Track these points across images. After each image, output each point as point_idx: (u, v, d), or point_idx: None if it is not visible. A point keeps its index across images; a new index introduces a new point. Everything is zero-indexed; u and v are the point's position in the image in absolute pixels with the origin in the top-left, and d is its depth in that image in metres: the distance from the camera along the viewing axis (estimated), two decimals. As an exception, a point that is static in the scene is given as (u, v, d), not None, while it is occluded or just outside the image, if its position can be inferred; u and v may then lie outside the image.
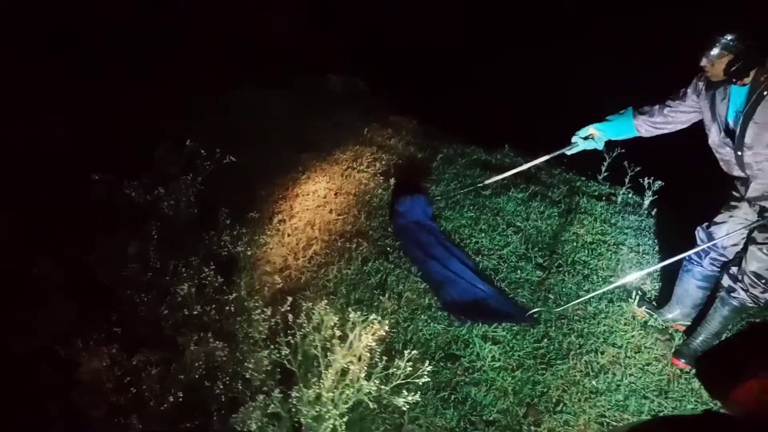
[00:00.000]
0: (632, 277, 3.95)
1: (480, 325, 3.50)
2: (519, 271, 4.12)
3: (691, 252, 3.44)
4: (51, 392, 2.50)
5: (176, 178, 3.39)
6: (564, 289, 4.01)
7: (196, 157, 3.53)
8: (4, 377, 2.57)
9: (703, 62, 2.93)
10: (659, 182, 4.89)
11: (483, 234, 4.42)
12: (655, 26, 7.28)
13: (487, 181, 4.73)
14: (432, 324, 3.47)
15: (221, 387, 2.45)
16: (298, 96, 6.03)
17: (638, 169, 5.00)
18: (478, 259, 4.17)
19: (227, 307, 2.73)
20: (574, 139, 3.80)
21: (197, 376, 2.51)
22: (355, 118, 5.85)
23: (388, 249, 4.06)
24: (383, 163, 5.09)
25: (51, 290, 2.89)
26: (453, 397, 3.06)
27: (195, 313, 2.68)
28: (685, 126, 3.40)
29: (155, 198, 3.28)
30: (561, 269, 4.20)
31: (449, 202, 4.72)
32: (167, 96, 5.00)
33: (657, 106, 3.41)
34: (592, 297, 3.78)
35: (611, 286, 3.84)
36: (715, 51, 2.86)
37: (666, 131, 3.47)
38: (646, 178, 4.92)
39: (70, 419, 2.43)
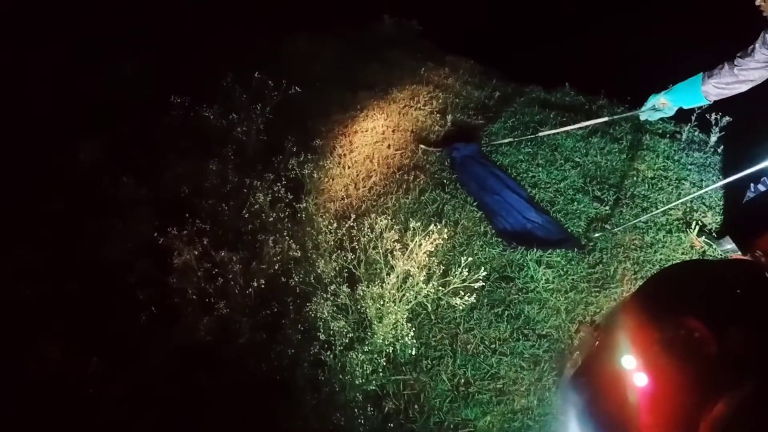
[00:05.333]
0: (687, 199, 4.12)
1: (535, 250, 3.75)
2: (576, 203, 4.33)
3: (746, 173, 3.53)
4: (148, 283, 2.98)
5: (247, 107, 3.77)
6: (621, 221, 4.19)
7: (264, 89, 3.88)
8: (103, 275, 3.09)
9: (758, 1, 2.95)
10: (727, 118, 4.90)
11: (540, 168, 4.63)
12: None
13: (542, 133, 4.85)
14: (487, 249, 3.76)
15: (296, 281, 2.84)
16: (351, 38, 6.26)
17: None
18: (534, 191, 4.40)
19: (298, 215, 3.10)
20: (643, 111, 3.81)
21: (274, 270, 2.90)
22: (410, 59, 6.05)
23: (445, 181, 4.34)
24: (440, 101, 5.31)
25: (139, 202, 3.36)
26: (507, 312, 3.36)
27: (270, 219, 3.07)
28: (756, 83, 3.33)
29: (229, 123, 3.67)
30: (619, 202, 4.38)
31: (507, 138, 4.92)
32: (226, 43, 5.38)
33: (726, 67, 3.34)
34: (645, 219, 3.97)
35: (666, 207, 4.02)
36: None
37: (737, 91, 3.39)
38: (713, 114, 4.93)
39: (164, 305, 2.90)
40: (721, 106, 4.98)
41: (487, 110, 5.36)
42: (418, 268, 2.70)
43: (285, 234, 2.97)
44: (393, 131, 4.82)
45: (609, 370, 1.54)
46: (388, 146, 4.63)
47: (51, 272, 3.39)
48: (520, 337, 3.23)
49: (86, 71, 4.82)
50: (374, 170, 4.32)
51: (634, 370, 1.45)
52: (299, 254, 2.93)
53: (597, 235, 4.00)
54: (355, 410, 2.58)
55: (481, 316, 3.30)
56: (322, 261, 2.81)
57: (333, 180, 4.10)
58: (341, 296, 2.76)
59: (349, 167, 4.27)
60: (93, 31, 5.16)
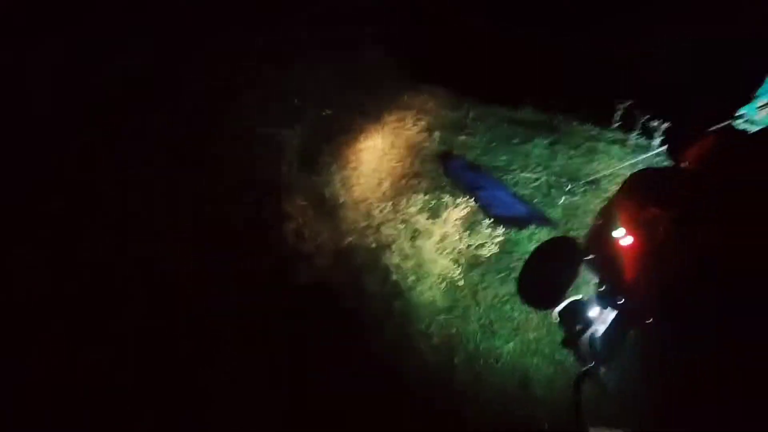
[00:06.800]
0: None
1: (526, 229, 4.84)
2: (551, 197, 5.46)
3: None
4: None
5: (290, 125, 4.82)
6: (589, 208, 5.35)
7: (299, 113, 4.91)
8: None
9: None
10: (666, 124, 6.14)
11: (518, 171, 5.77)
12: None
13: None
14: (488, 230, 4.80)
15: (370, 241, 3.85)
16: (335, 68, 7.28)
17: (647, 116, 6.24)
18: (515, 189, 5.51)
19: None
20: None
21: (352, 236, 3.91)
22: (390, 86, 7.15)
23: (443, 184, 5.41)
24: (424, 122, 6.42)
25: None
26: (511, 275, 4.41)
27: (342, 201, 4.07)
28: None
29: (283, 136, 4.72)
30: (585, 194, 5.54)
31: (485, 149, 6.07)
32: (226, 43, 6.14)
33: None
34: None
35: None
36: None
37: None
38: (655, 121, 6.17)
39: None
40: (662, 114, 6.29)
41: (465, 128, 6.51)
42: (453, 228, 3.75)
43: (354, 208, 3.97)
44: (391, 147, 5.89)
45: (607, 239, 2.60)
46: (390, 159, 5.69)
47: (51, 272, 3.72)
48: (524, 293, 4.28)
49: (86, 71, 5.20)
50: (384, 178, 5.36)
51: (623, 236, 2.52)
52: (366, 224, 3.93)
53: (573, 225, 5.13)
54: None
55: (493, 278, 4.34)
56: (384, 228, 3.82)
57: (352, 187, 5.12)
58: (405, 249, 3.77)
59: (363, 177, 5.31)
60: (93, 31, 5.50)
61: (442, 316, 3.84)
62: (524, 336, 3.92)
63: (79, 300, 3.60)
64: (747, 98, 3.88)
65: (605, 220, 2.77)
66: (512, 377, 3.61)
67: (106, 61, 5.30)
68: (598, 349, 2.62)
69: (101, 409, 3.13)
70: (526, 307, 4.16)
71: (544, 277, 2.55)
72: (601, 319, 2.65)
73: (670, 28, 6.20)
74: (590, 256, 2.63)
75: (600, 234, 2.79)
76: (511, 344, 3.83)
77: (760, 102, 3.80)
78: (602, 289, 2.61)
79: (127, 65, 5.27)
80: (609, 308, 2.58)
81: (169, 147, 4.53)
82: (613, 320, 2.54)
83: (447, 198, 3.98)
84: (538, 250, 2.68)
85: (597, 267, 2.64)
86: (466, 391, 3.44)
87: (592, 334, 2.68)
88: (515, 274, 4.45)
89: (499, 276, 4.39)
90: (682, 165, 2.61)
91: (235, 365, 3.34)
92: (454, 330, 3.82)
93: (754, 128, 3.76)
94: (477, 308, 4.04)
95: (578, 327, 2.69)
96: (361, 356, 3.40)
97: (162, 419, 3.15)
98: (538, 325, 4.03)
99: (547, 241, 2.76)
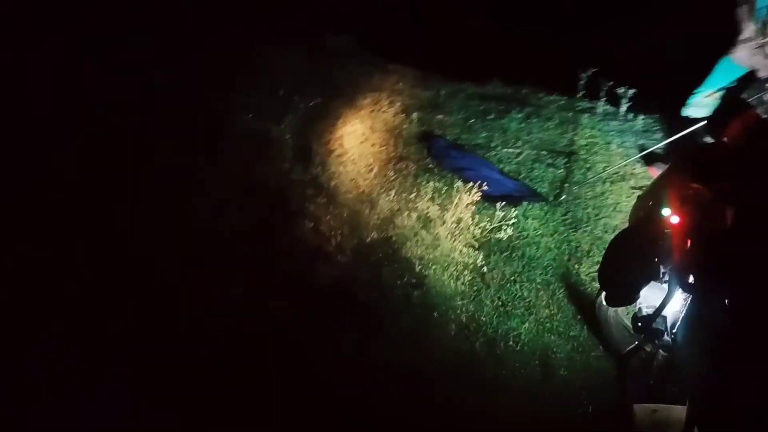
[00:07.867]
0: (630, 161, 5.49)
1: (521, 206, 4.90)
2: (535, 171, 5.55)
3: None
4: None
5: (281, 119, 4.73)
6: (573, 179, 5.46)
7: (289, 103, 4.81)
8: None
9: None
10: (632, 90, 6.31)
11: (499, 147, 5.82)
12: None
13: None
14: (484, 210, 4.83)
15: (391, 233, 3.85)
16: (303, 52, 7.13)
17: (611, 83, 6.39)
18: (501, 165, 5.57)
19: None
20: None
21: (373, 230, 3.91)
22: (360, 70, 7.06)
23: (430, 166, 5.41)
24: (399, 103, 6.38)
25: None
26: (514, 254, 4.48)
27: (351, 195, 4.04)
28: None
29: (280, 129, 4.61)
30: (567, 165, 5.65)
31: (464, 127, 6.10)
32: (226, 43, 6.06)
33: None
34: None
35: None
36: None
37: None
38: (621, 88, 6.33)
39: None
40: (625, 81, 6.45)
41: (439, 107, 6.51)
42: (466, 213, 3.79)
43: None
44: (371, 131, 5.84)
45: (656, 218, 2.69)
46: (372, 144, 5.64)
47: (51, 272, 3.59)
48: (530, 269, 4.36)
49: (86, 71, 5.11)
50: (371, 164, 5.31)
51: (670, 215, 2.60)
52: (377, 216, 3.91)
53: (562, 198, 5.22)
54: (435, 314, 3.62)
55: (497, 258, 4.40)
56: (399, 219, 3.82)
57: (342, 175, 5.05)
58: (426, 240, 3.78)
59: (352, 163, 5.23)
60: (93, 31, 5.44)
61: (458, 302, 3.87)
62: (538, 314, 4.01)
63: (79, 300, 3.53)
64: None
65: (653, 200, 2.87)
66: (533, 358, 3.69)
67: (106, 61, 5.20)
68: (668, 329, 2.73)
69: (101, 409, 3.05)
70: (533, 285, 4.24)
71: (626, 280, 2.66)
72: (670, 300, 2.76)
73: (669, 28, 6.32)
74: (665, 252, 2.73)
75: (648, 214, 2.88)
76: (527, 324, 3.90)
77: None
78: (668, 271, 2.73)
79: (127, 65, 5.17)
80: (678, 289, 2.70)
81: (169, 147, 4.38)
82: (691, 302, 2.64)
83: (458, 183, 3.96)
84: (613, 249, 2.77)
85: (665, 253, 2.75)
86: (490, 376, 3.49)
87: (655, 315, 2.80)
88: (517, 253, 4.52)
89: (503, 256, 4.44)
90: (724, 140, 2.71)
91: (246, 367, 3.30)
92: (470, 315, 3.85)
93: (701, 113, 4.20)
94: (488, 290, 4.09)
95: (649, 308, 2.81)
96: (382, 351, 3.40)
97: (162, 419, 3.09)
98: (549, 303, 4.12)
99: (619, 238, 2.85)
